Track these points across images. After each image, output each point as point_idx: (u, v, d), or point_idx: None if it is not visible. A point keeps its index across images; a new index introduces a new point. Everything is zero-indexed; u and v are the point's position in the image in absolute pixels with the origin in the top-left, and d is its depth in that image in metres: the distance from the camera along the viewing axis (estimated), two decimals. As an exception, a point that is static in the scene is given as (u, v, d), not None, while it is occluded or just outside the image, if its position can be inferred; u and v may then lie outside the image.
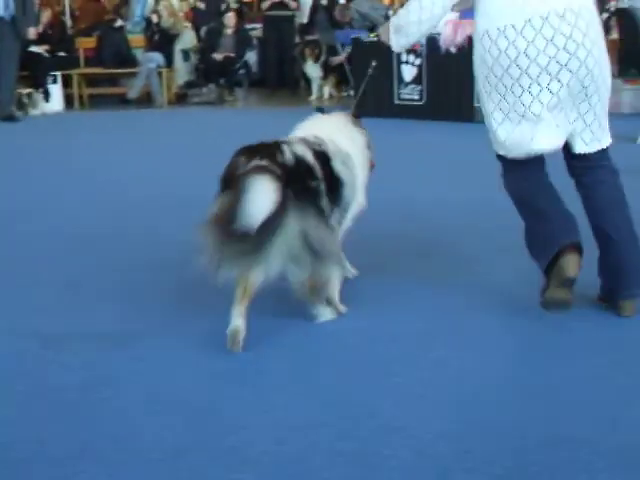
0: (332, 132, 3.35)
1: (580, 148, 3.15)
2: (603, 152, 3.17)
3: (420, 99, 9.14)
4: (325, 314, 3.19)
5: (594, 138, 3.14)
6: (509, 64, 3.01)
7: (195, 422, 2.43)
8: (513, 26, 2.98)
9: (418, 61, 9.10)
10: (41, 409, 2.56)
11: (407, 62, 9.17)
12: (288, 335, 3.08)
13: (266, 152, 3.00)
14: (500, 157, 3.24)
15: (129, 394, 2.63)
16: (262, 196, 2.79)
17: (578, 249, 3.07)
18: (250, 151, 3.01)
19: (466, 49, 8.64)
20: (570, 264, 3.06)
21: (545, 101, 3.02)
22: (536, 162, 3.18)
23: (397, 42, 3.39)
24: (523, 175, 3.22)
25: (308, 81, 12.37)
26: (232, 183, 2.88)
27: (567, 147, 3.18)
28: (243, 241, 2.76)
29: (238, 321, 2.93)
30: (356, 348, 2.96)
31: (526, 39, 2.97)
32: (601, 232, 3.20)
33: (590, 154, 3.15)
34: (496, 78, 3.07)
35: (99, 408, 2.54)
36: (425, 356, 2.86)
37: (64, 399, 2.61)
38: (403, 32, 3.34)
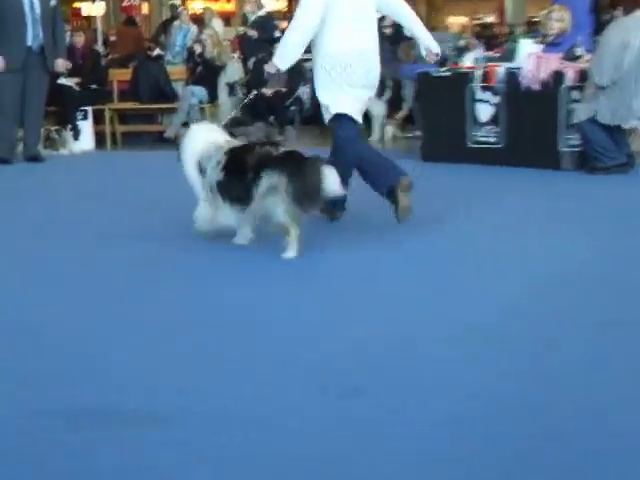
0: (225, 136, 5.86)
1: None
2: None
3: (498, 142, 9.17)
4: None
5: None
6: (343, 69, 5.98)
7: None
8: (346, 52, 5.97)
9: (495, 99, 9.13)
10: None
11: (482, 100, 9.22)
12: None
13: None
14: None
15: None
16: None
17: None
18: (270, 144, 5.69)
19: (551, 85, 8.72)
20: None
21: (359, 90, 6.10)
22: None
23: (282, 63, 6.08)
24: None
25: (368, 119, 12.48)
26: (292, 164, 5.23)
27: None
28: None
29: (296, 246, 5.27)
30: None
31: (351, 58, 5.98)
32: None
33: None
34: (331, 77, 6.03)
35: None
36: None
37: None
38: (288, 54, 6.05)
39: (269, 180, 5.21)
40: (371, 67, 6.12)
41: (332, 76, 6.03)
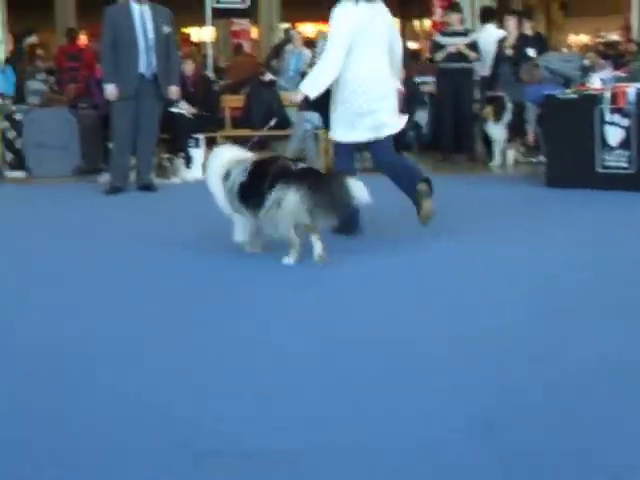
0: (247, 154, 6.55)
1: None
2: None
3: (629, 167, 9.00)
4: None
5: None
6: (359, 94, 6.80)
7: None
8: (363, 76, 6.79)
9: (625, 121, 8.98)
10: None
11: (612, 123, 9.06)
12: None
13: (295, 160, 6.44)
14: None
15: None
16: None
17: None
18: (288, 159, 6.38)
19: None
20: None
21: (373, 115, 6.94)
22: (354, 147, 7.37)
23: (313, 90, 6.77)
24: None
25: (489, 144, 12.37)
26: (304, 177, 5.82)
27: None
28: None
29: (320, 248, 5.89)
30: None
31: (367, 82, 6.80)
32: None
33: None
34: (345, 101, 6.87)
35: None
36: None
37: None
38: (322, 81, 6.73)
39: (280, 193, 5.75)
40: (384, 87, 6.92)
41: (347, 99, 6.84)
